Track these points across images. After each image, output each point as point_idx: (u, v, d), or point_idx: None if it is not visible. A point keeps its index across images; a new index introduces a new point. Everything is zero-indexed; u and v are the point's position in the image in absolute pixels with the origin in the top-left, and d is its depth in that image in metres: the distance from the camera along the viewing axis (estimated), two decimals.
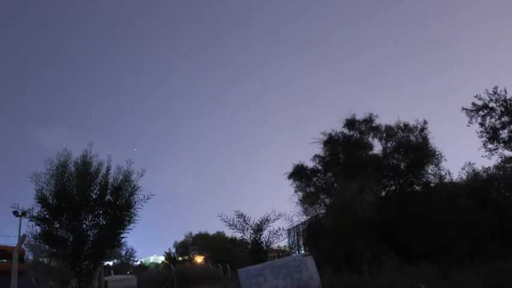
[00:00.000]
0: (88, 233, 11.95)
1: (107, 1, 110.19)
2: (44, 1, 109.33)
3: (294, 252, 22.49)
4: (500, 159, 19.20)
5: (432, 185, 20.46)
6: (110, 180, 12.28)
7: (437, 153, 20.32)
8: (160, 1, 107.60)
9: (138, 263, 48.37)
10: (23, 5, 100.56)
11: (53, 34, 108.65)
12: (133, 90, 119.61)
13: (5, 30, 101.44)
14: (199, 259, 44.57)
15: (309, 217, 21.39)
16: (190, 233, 50.41)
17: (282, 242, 20.23)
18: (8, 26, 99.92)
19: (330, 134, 21.79)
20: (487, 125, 18.95)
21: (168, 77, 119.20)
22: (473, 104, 19.10)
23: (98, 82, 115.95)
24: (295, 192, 22.19)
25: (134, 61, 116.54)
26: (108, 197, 12.18)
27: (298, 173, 22.15)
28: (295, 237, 23.46)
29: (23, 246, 10.35)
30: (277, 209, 14.47)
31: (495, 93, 18.57)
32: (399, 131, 21.11)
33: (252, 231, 14.34)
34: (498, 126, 18.72)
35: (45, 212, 11.62)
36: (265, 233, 14.28)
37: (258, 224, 14.26)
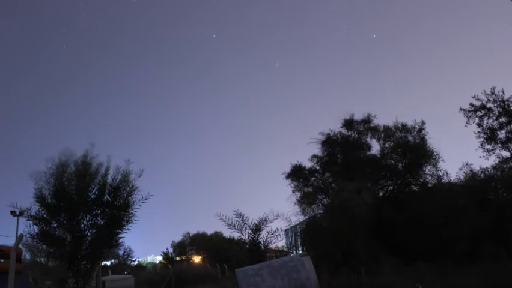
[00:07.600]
0: (86, 233, 11.91)
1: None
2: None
3: (292, 252, 22.49)
4: (497, 159, 19.24)
5: (430, 185, 20.51)
6: (108, 180, 12.25)
7: (435, 153, 20.41)
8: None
9: (136, 263, 48.25)
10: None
11: (53, 34, 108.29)
12: (131, 89, 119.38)
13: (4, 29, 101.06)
14: (196, 259, 44.43)
15: (307, 217, 21.40)
16: (188, 233, 50.26)
17: (280, 242, 20.25)
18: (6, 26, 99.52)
19: (328, 134, 21.81)
20: (484, 126, 18.96)
21: (167, 76, 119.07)
22: (471, 104, 19.11)
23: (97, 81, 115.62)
24: (293, 192, 22.21)
25: (132, 60, 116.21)
26: (106, 197, 12.13)
27: (296, 173, 22.16)
28: (293, 237, 23.46)
29: (20, 246, 10.28)
30: (276, 209, 14.46)
31: (493, 93, 18.59)
32: (397, 131, 21.15)
33: (250, 231, 14.33)
34: (496, 126, 18.74)
35: (43, 212, 11.58)
36: (263, 233, 14.30)
37: (256, 224, 14.25)
